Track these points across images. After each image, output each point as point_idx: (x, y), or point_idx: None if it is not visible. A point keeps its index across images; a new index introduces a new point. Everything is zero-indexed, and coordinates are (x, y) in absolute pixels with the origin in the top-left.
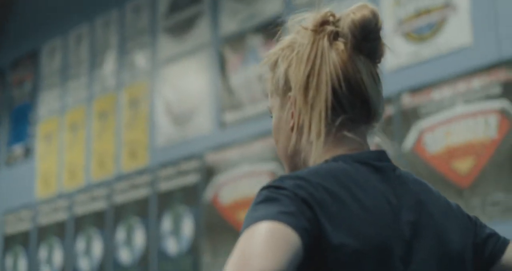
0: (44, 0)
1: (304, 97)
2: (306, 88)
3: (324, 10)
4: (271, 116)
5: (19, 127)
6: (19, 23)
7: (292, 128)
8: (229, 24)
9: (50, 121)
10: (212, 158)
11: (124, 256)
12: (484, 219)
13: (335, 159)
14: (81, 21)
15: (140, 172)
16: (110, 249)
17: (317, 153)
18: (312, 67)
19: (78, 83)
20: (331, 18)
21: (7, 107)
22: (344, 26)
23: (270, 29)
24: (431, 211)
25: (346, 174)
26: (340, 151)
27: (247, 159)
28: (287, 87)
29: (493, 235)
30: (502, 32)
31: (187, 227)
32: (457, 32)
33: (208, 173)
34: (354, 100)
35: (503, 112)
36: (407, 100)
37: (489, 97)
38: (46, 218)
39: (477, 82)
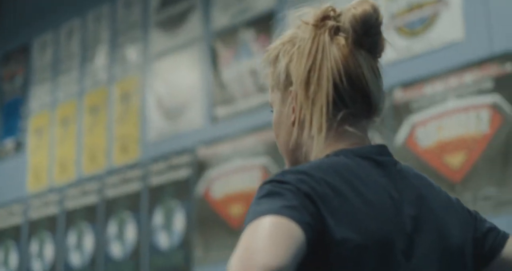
0: None
1: (305, 92)
2: (307, 83)
3: (325, 5)
4: (272, 111)
5: (10, 122)
6: (10, 17)
7: (293, 123)
8: (221, 19)
9: (41, 115)
10: (203, 152)
11: (116, 250)
12: None
13: (336, 154)
14: (73, 15)
15: (132, 166)
16: (101, 243)
17: (318, 147)
18: (313, 62)
19: (69, 77)
20: (332, 13)
21: None
22: (345, 21)
23: (263, 23)
24: (432, 205)
25: (348, 168)
26: (341, 146)
27: (239, 153)
28: (288, 82)
29: (493, 229)
30: (494, 27)
31: (179, 221)
32: (449, 27)
33: (200, 167)
34: (355, 95)
35: (495, 107)
36: (399, 95)
37: (481, 92)
38: (37, 212)
39: (469, 77)
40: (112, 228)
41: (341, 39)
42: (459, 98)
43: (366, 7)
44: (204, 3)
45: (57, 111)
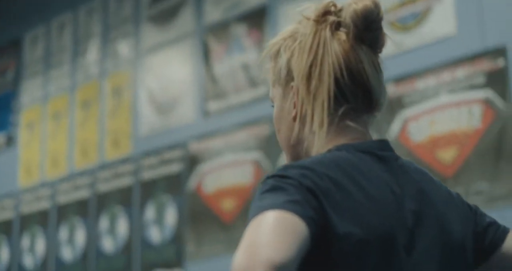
0: None
1: (307, 87)
2: (308, 78)
3: (326, 0)
4: (272, 106)
5: (1, 116)
6: (1, 11)
7: (294, 118)
8: (213, 13)
9: (32, 109)
10: (195, 147)
11: (107, 244)
12: None
13: (338, 148)
14: (64, 9)
15: (124, 161)
16: (93, 238)
17: (319, 142)
18: (315, 57)
19: (61, 71)
20: (333, 8)
21: None
22: (346, 16)
23: (255, 18)
24: (433, 200)
25: (350, 163)
26: (342, 140)
27: (230, 148)
28: (289, 77)
29: (493, 223)
30: (486, 22)
31: (171, 216)
32: (441, 22)
33: (192, 161)
34: (356, 90)
35: (487, 102)
36: (392, 90)
37: (473, 87)
38: (29, 207)
39: (461, 72)
40: (104, 223)
41: (342, 34)
42: (451, 93)
43: (367, 2)
44: None
45: (49, 106)
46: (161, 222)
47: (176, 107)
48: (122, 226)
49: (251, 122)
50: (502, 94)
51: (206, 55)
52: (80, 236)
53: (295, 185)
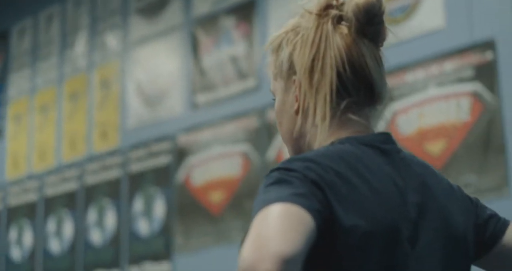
0: None
1: (309, 81)
2: (311, 71)
3: None
4: (274, 99)
5: None
6: None
7: (296, 112)
8: (202, 6)
9: (20, 102)
10: (184, 139)
11: (96, 237)
12: None
13: (341, 141)
14: (52, 1)
15: (112, 153)
16: (81, 230)
17: (322, 136)
18: (317, 51)
19: (48, 64)
20: (335, 2)
21: None
22: (348, 10)
23: (243, 11)
24: (435, 193)
25: (354, 156)
26: (345, 134)
27: (219, 140)
28: (291, 71)
29: (494, 216)
30: (474, 15)
31: (159, 208)
32: (430, 15)
33: (180, 154)
34: (358, 83)
35: (475, 95)
36: None
37: (461, 80)
38: (16, 199)
39: (449, 65)
40: (92, 215)
41: (344, 28)
42: (440, 86)
43: None
44: None
45: (36, 98)
46: (149, 214)
47: (164, 99)
48: (110, 219)
49: (240, 114)
50: (491, 87)
51: (194, 47)
52: (68, 229)
53: (300, 177)
